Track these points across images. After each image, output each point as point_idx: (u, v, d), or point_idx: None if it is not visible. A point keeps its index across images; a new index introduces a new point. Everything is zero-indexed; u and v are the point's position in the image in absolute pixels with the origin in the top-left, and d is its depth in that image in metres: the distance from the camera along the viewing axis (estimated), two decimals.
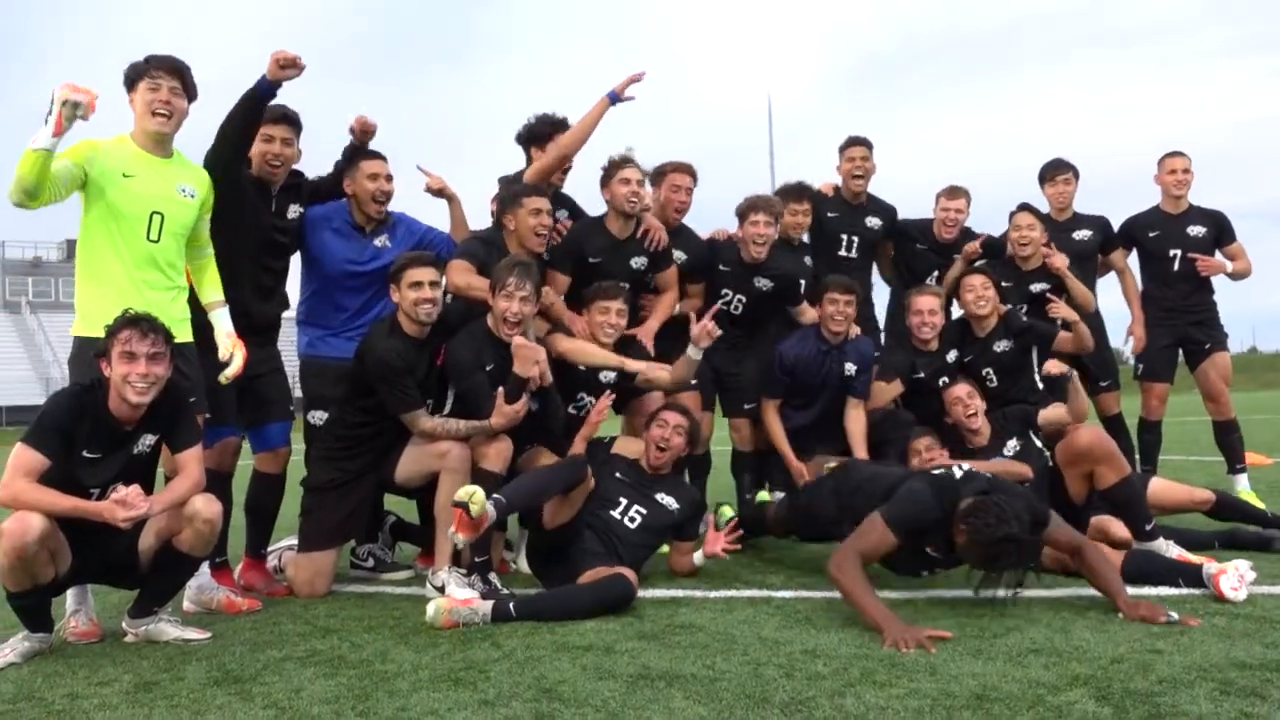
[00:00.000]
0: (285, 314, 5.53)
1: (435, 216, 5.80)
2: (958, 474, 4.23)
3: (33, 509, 3.77)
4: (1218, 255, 6.93)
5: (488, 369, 5.03)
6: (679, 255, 6.21)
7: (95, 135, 4.38)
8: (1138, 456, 6.95)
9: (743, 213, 6.31)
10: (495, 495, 4.43)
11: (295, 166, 5.27)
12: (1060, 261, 6.47)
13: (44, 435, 3.88)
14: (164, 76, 4.39)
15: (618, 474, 5.08)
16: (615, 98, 5.70)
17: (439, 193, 5.78)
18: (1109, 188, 7.31)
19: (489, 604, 4.31)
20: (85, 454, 3.94)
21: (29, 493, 3.79)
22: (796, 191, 6.70)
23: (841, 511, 4.60)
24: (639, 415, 5.75)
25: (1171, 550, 4.84)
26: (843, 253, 6.86)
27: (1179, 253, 6.89)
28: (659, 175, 6.19)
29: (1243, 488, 6.70)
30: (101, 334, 4.01)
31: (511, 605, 4.32)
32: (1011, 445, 5.50)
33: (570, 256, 5.83)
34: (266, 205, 5.15)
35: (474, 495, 4.17)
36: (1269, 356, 65.81)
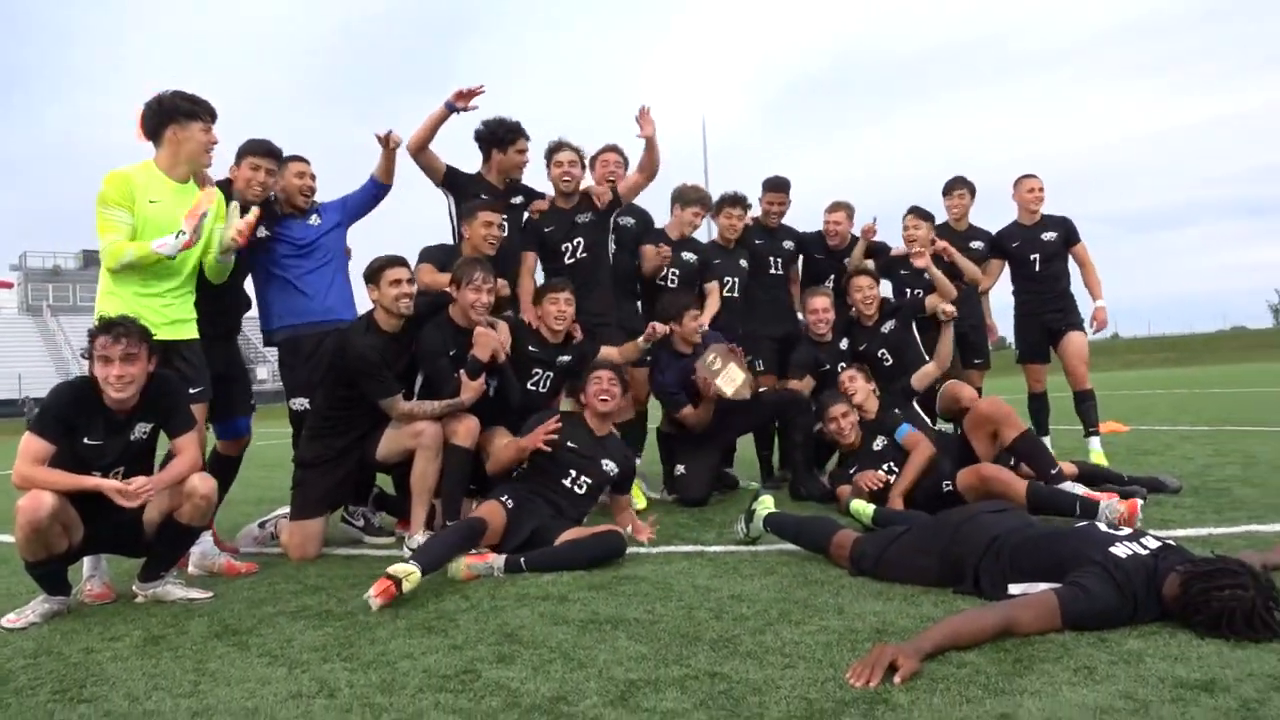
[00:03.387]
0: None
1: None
2: (1122, 554, 3.05)
3: (42, 487, 3.69)
4: (1070, 261, 7.17)
5: (451, 354, 5.04)
6: (628, 221, 6.53)
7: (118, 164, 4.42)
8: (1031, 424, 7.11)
9: (688, 201, 6.65)
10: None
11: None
12: (942, 245, 6.75)
13: (47, 423, 3.80)
14: (213, 120, 4.45)
15: (569, 443, 5.04)
16: (451, 107, 5.56)
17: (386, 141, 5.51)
18: (997, 196, 7.43)
19: (503, 559, 4.27)
20: (87, 440, 3.86)
21: (38, 473, 3.71)
22: (733, 199, 6.90)
23: (944, 563, 3.58)
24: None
25: (1078, 489, 4.86)
26: (772, 271, 7.06)
27: (1038, 256, 7.11)
28: (592, 161, 6.51)
29: (1095, 448, 6.88)
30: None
31: (522, 560, 4.29)
32: (879, 442, 5.57)
33: (533, 237, 6.08)
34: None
35: (410, 575, 3.83)
36: (1128, 341, 67.36)
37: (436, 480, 4.91)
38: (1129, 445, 8.28)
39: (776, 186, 7.13)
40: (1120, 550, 3.07)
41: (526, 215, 6.13)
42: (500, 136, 5.85)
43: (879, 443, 5.57)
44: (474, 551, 4.30)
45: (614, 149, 6.58)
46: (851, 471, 5.53)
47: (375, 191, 5.60)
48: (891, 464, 5.43)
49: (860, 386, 5.83)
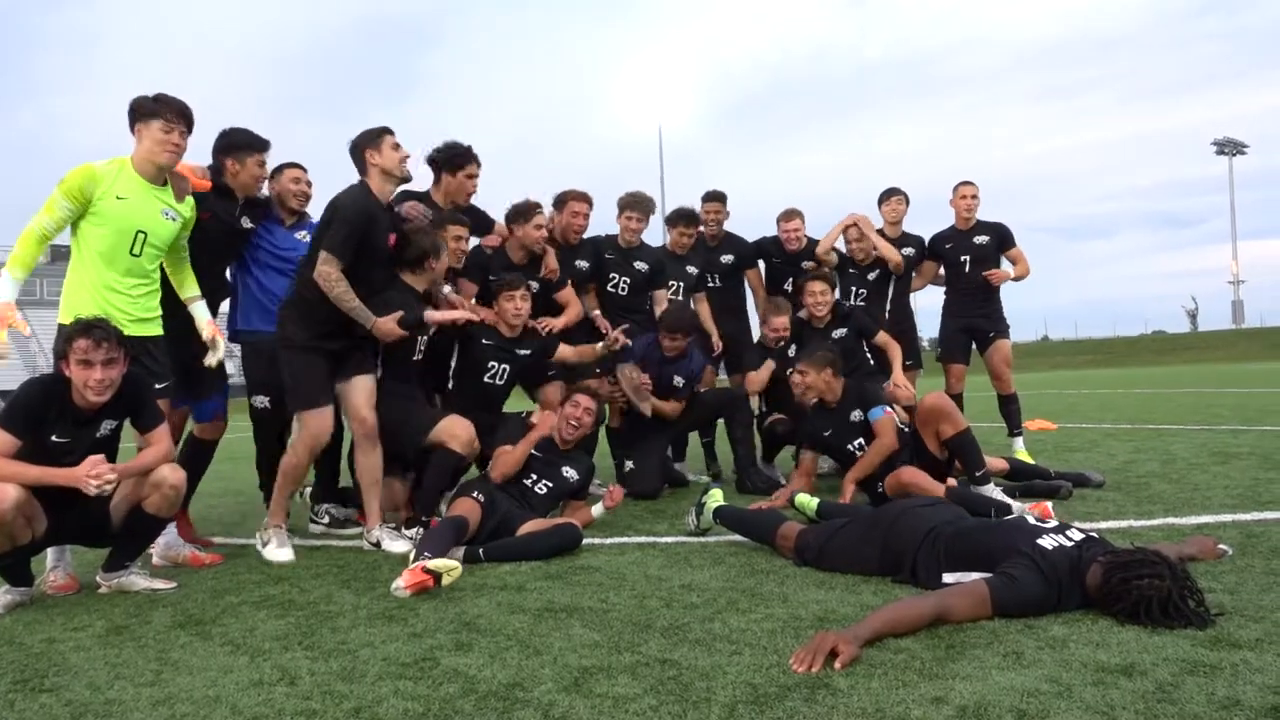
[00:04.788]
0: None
1: None
2: (1049, 546, 3.10)
3: (7, 480, 3.58)
4: (1004, 263, 7.24)
5: (413, 316, 4.75)
6: (582, 265, 6.36)
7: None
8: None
9: (622, 207, 6.59)
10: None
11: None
12: (858, 218, 6.98)
13: (14, 418, 3.69)
14: (176, 121, 4.28)
15: (533, 450, 5.03)
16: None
17: None
18: (929, 205, 7.53)
19: (462, 550, 4.21)
20: (55, 438, 3.76)
21: (3, 466, 3.60)
22: (687, 217, 6.88)
23: (884, 554, 3.62)
24: (551, 395, 5.77)
25: (996, 492, 4.93)
26: (710, 285, 7.07)
27: (968, 259, 7.17)
28: (561, 202, 6.36)
29: (1019, 448, 7.01)
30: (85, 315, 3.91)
31: (481, 551, 4.26)
32: (857, 414, 5.55)
33: (479, 272, 5.86)
34: (230, 210, 4.97)
35: (452, 570, 3.73)
36: (1057, 343, 68.61)
37: (379, 470, 4.83)
38: (1057, 443, 8.43)
39: (713, 197, 7.18)
40: (1047, 542, 3.12)
41: (477, 243, 5.95)
42: (451, 160, 5.66)
43: (856, 414, 5.44)
44: None
45: (583, 198, 6.34)
46: (826, 434, 5.48)
47: None
48: (862, 440, 5.39)
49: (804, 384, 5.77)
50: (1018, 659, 2.60)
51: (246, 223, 5.11)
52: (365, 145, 4.73)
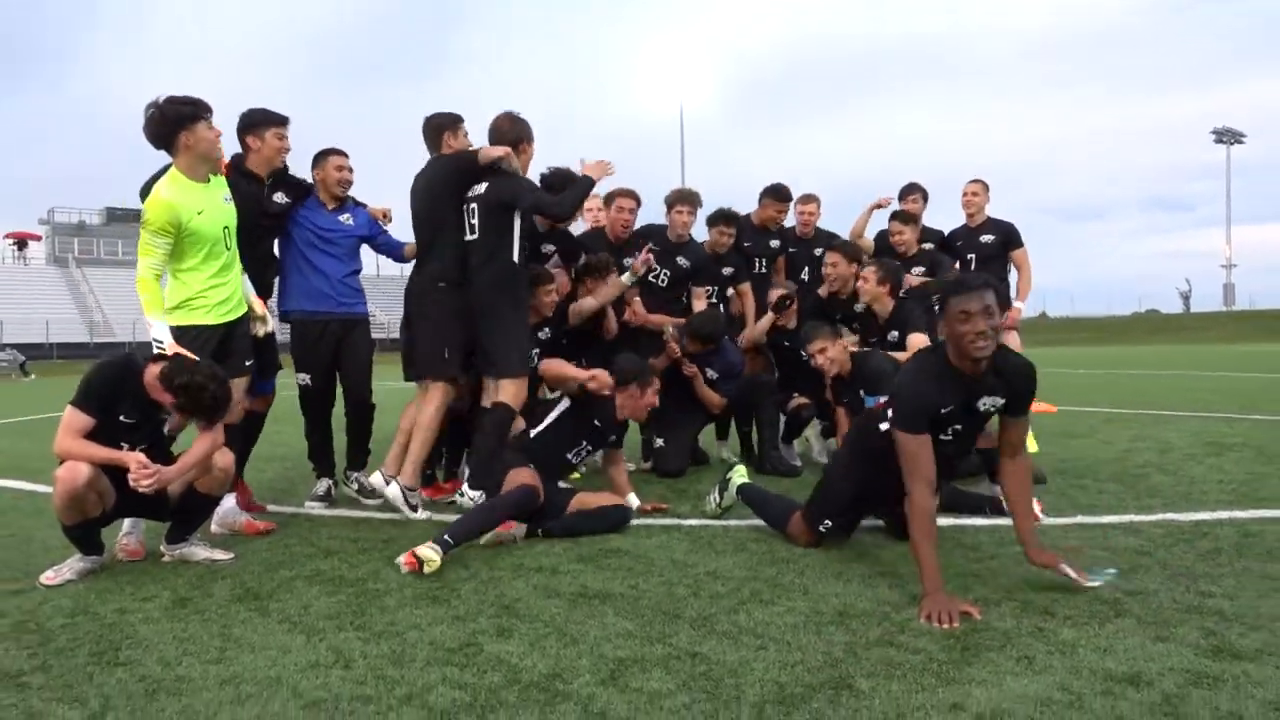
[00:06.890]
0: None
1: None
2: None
3: (79, 459, 3.66)
4: (1011, 267, 7.09)
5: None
6: (629, 260, 6.22)
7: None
8: None
9: (671, 202, 6.40)
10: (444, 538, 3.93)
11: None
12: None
13: (90, 399, 3.74)
14: (211, 115, 4.25)
15: (596, 421, 4.95)
16: None
17: None
18: (942, 189, 7.40)
19: (523, 528, 4.32)
20: (123, 419, 3.81)
21: (76, 445, 3.68)
22: (725, 217, 6.60)
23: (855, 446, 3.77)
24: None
25: (995, 489, 4.66)
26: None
27: (974, 257, 7.03)
28: (609, 199, 6.24)
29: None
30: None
31: (540, 530, 4.36)
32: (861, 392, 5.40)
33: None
34: (259, 193, 4.93)
35: (430, 561, 3.75)
36: (1055, 320, 67.95)
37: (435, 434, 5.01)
38: (1061, 429, 8.34)
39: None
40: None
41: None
42: (551, 185, 5.46)
43: (861, 392, 5.29)
44: None
45: (630, 195, 6.24)
46: (845, 401, 5.43)
47: (398, 254, 5.61)
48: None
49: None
50: (1029, 664, 2.60)
51: (281, 198, 5.07)
52: (446, 128, 4.99)
